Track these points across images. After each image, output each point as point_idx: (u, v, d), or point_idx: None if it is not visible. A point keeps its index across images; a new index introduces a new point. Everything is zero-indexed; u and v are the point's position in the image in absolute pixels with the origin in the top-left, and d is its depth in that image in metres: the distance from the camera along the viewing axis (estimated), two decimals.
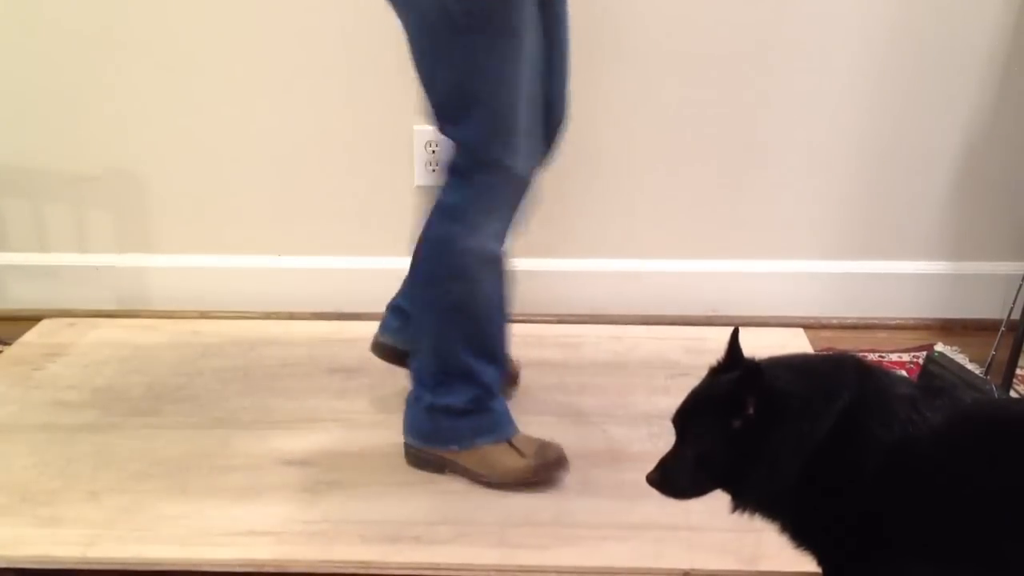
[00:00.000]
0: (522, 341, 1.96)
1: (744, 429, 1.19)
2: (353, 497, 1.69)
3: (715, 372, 1.30)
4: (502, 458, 1.69)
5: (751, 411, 1.18)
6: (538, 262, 2.37)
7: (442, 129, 1.60)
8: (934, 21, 2.16)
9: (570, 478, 1.72)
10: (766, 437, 1.19)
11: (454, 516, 1.64)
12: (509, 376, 1.90)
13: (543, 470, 1.70)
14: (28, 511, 1.65)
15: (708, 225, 2.35)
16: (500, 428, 1.72)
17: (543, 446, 1.73)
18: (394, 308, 1.89)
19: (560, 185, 2.32)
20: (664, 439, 1.84)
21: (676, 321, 2.33)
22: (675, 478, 1.28)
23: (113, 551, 1.57)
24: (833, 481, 1.20)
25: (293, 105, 2.28)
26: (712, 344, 2.18)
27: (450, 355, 1.68)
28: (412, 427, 1.75)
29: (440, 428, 1.72)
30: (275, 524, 1.62)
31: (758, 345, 2.16)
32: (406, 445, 1.77)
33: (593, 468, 1.77)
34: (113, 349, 2.21)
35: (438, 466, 1.74)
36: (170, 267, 2.43)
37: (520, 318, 2.26)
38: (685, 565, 1.52)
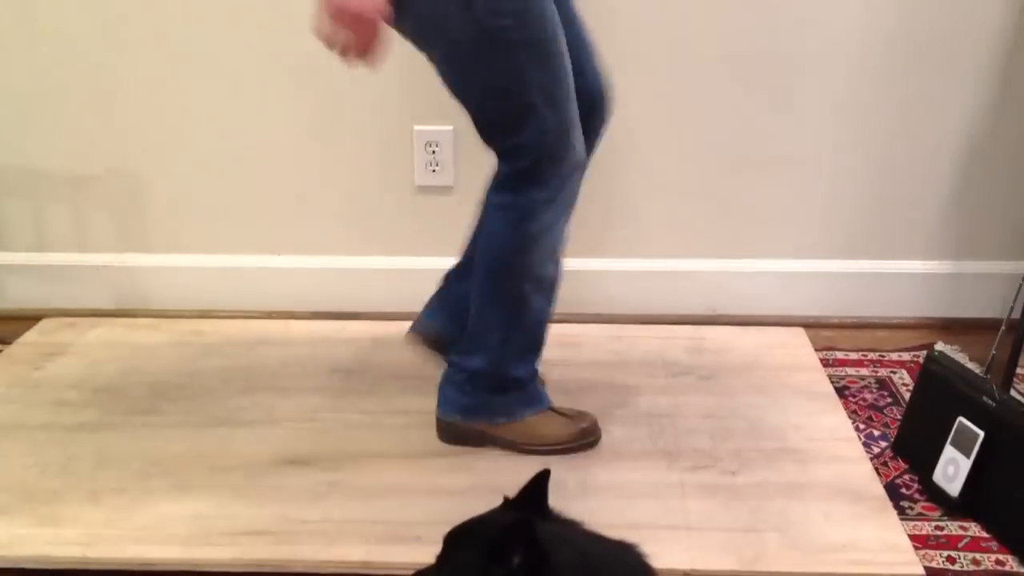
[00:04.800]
0: None
1: None
2: (353, 497, 1.69)
3: (507, 504, 1.22)
4: (547, 426, 1.80)
5: (515, 562, 1.08)
6: None
7: (501, 142, 1.61)
8: (935, 22, 2.16)
9: (570, 478, 1.72)
10: None
11: (454, 516, 1.63)
12: None
13: (583, 435, 1.81)
14: (28, 511, 1.65)
15: (708, 225, 2.35)
16: (541, 399, 1.83)
17: (579, 414, 1.84)
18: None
19: None
20: (664, 439, 1.86)
21: (676, 321, 2.33)
22: None
23: (113, 551, 1.56)
24: None
25: (293, 105, 2.28)
26: (712, 344, 2.21)
27: (505, 350, 1.75)
28: (454, 402, 1.80)
29: (490, 402, 1.78)
30: (275, 524, 1.62)
31: (758, 345, 2.18)
32: (442, 421, 1.82)
33: (593, 468, 1.77)
34: (113, 349, 2.21)
35: (478, 440, 1.81)
36: (170, 267, 2.43)
37: None
38: (685, 565, 1.52)
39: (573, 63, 1.61)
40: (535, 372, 1.82)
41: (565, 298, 2.39)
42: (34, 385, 2.06)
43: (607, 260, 2.39)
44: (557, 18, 1.57)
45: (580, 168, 1.66)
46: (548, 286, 1.74)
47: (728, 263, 2.37)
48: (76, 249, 2.43)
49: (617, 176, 2.31)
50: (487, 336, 1.75)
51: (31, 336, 2.27)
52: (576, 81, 1.61)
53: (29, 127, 2.32)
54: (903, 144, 2.27)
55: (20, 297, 2.45)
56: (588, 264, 2.38)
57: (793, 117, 2.25)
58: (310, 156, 2.33)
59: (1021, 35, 2.16)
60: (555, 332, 2.28)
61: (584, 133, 1.67)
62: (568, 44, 1.61)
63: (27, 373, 2.11)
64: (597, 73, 1.74)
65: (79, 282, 2.44)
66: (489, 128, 1.61)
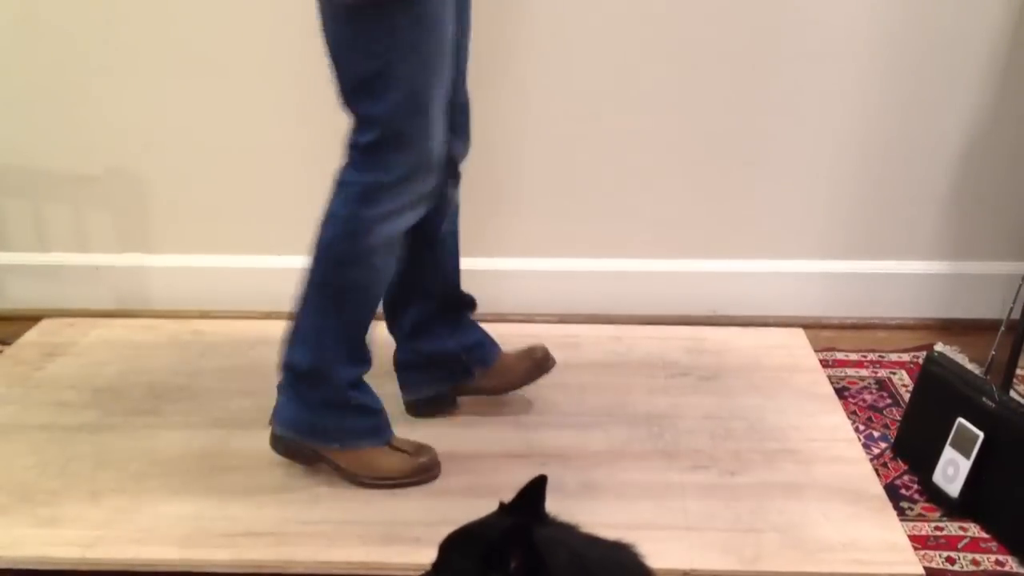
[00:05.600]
0: (522, 341, 1.96)
1: None
2: (353, 498, 1.70)
3: (503, 509, 1.22)
4: (381, 459, 1.72)
5: (513, 566, 1.09)
6: (538, 262, 2.37)
7: (354, 107, 1.56)
8: (934, 21, 2.16)
9: (570, 478, 1.72)
10: None
11: (454, 516, 1.63)
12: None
13: (419, 471, 1.73)
14: (28, 511, 1.66)
15: (708, 225, 2.35)
16: (379, 432, 1.74)
17: (419, 448, 1.76)
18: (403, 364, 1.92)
19: (560, 185, 2.32)
20: (664, 439, 1.86)
21: (676, 321, 2.33)
22: None
23: (113, 551, 1.57)
24: None
25: (293, 105, 2.28)
26: (712, 345, 2.21)
27: (328, 345, 1.67)
28: (289, 419, 1.71)
29: (324, 425, 1.70)
30: (275, 524, 1.62)
31: (758, 345, 2.18)
32: (276, 435, 1.72)
33: (593, 468, 1.77)
34: (113, 349, 2.21)
35: (310, 459, 1.73)
36: (170, 267, 2.43)
37: (520, 318, 2.27)
38: (685, 565, 1.52)
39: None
40: (370, 395, 1.74)
41: (565, 298, 2.40)
42: (34, 385, 2.06)
43: (607, 260, 2.38)
44: (450, 4, 1.52)
45: (433, 171, 1.59)
46: (366, 288, 1.66)
47: (728, 264, 2.37)
48: (76, 249, 2.43)
49: (616, 176, 2.31)
50: (304, 323, 1.67)
51: (31, 336, 2.27)
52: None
53: (29, 127, 2.32)
54: (903, 144, 2.27)
55: (20, 297, 2.45)
56: (588, 264, 2.38)
57: (793, 117, 2.25)
58: (310, 156, 2.32)
59: (1021, 35, 2.16)
60: (555, 332, 2.29)
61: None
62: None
63: (27, 373, 2.11)
64: (462, 89, 1.70)
65: (79, 282, 2.44)
66: (349, 90, 1.54)
